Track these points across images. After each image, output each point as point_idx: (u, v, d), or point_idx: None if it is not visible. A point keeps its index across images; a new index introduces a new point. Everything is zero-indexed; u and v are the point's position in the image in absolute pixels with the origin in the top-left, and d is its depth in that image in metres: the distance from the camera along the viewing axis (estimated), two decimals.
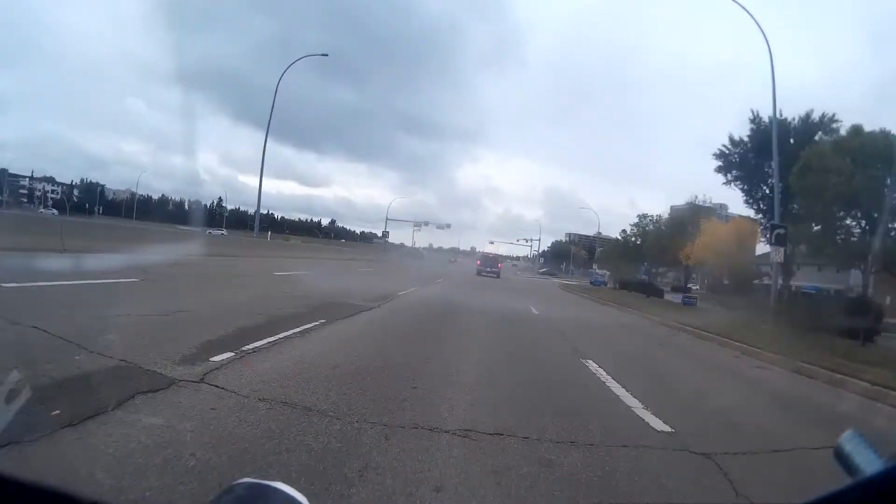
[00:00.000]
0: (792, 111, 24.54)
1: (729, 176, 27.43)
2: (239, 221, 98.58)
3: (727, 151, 27.14)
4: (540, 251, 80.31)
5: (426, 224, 55.73)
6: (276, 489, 0.54)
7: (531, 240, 68.87)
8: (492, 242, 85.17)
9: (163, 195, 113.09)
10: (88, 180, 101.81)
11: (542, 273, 66.67)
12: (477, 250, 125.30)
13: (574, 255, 75.45)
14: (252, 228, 46.29)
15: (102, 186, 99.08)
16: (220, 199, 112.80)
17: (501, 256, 49.20)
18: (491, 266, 37.08)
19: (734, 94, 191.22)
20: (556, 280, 50.97)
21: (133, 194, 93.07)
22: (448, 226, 58.11)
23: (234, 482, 0.54)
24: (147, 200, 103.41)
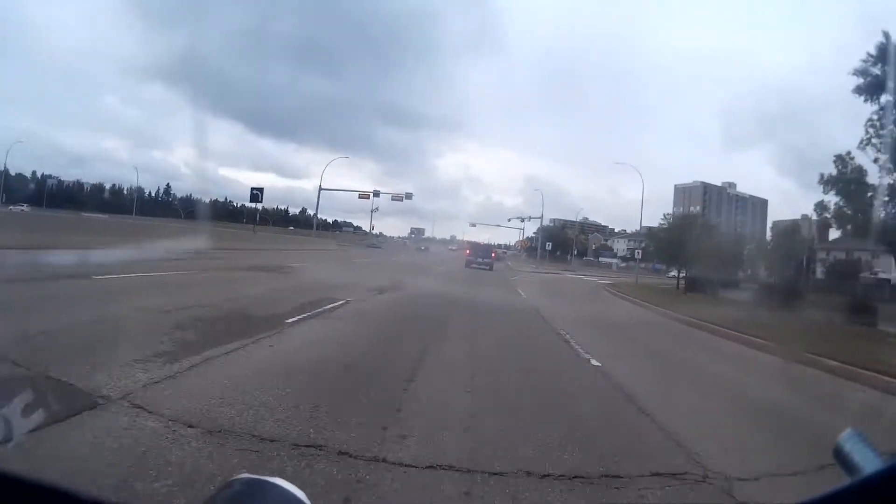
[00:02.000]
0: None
1: (880, 101, 16.41)
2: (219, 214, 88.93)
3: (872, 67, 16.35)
4: (534, 234, 69.38)
5: (376, 194, 43.91)
6: (274, 484, 0.54)
7: (529, 218, 54.80)
8: (473, 226, 74.39)
9: (112, 184, 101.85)
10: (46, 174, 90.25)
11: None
12: (456, 238, 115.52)
13: (574, 242, 64.79)
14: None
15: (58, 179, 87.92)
16: (169, 186, 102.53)
17: (493, 245, 38.67)
18: (483, 256, 31.44)
19: (719, 84, 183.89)
20: (572, 275, 38.70)
21: (81, 184, 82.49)
22: (408, 196, 44.94)
23: (233, 478, 0.55)
24: (118, 192, 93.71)
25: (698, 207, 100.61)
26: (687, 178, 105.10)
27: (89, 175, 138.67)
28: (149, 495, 2.05)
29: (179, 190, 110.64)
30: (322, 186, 43.04)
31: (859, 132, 16.45)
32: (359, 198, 43.91)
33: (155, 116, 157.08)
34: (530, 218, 52.62)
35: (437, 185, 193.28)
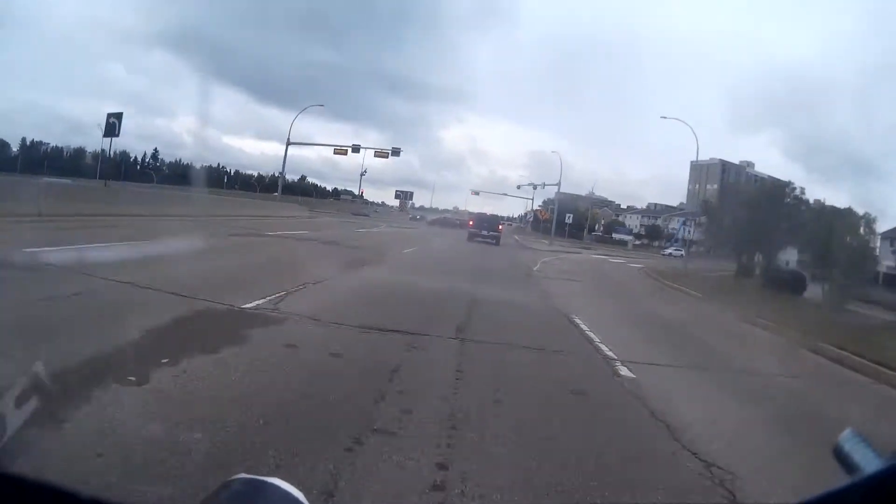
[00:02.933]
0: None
1: None
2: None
3: None
4: (540, 206, 63.01)
5: (356, 149, 36.75)
6: (272, 485, 0.54)
7: (543, 185, 45.70)
8: (476, 194, 65.99)
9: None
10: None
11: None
12: (460, 209, 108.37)
13: (589, 216, 58.29)
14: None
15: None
16: (156, 151, 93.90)
17: (499, 217, 32.47)
18: (488, 229, 27.51)
19: (724, 63, 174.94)
20: (595, 254, 32.36)
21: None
22: (395, 152, 36.77)
23: (230, 478, 0.54)
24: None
25: (715, 186, 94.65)
26: (689, 159, 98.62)
27: (93, 143, 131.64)
28: (150, 494, 2.05)
29: (169, 156, 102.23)
30: (290, 140, 36.43)
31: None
32: (334, 153, 37.47)
33: (157, 84, 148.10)
34: (544, 185, 45.78)
35: (441, 156, 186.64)
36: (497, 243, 26.90)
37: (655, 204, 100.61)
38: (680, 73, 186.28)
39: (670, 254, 48.49)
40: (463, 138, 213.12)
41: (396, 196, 71.78)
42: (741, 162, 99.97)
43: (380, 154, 36.34)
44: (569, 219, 41.19)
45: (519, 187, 52.88)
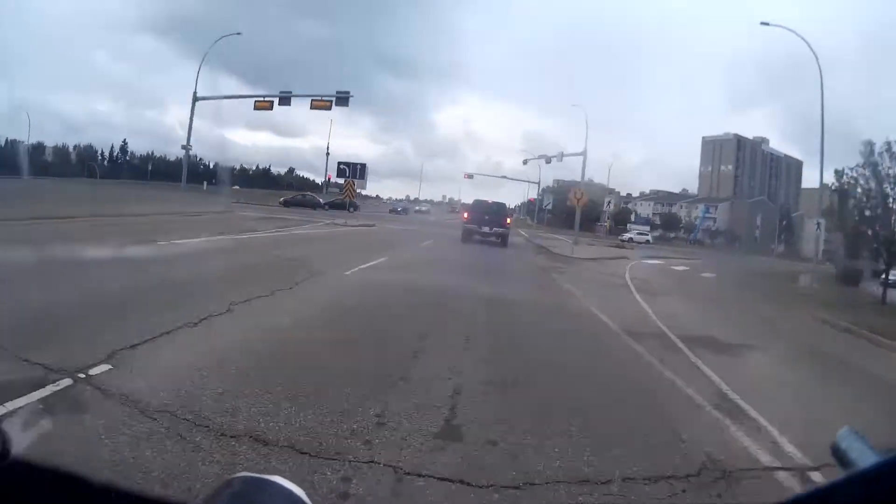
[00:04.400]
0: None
1: None
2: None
3: None
4: (539, 196, 53.02)
5: (285, 100, 26.13)
6: (273, 483, 0.53)
7: (562, 155, 31.80)
8: (470, 177, 51.50)
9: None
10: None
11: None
12: (453, 200, 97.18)
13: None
14: None
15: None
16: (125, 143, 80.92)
17: (505, 206, 22.11)
18: (490, 223, 18.73)
19: (722, 42, 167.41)
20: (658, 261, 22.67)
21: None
22: (342, 100, 25.75)
23: (232, 476, 0.53)
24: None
25: (730, 167, 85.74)
26: (693, 141, 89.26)
27: (92, 139, 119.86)
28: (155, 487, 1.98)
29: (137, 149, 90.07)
30: (198, 95, 25.83)
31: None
32: (255, 108, 27.15)
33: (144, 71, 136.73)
34: (562, 155, 33.87)
35: (434, 142, 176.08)
36: (504, 244, 18.86)
37: (657, 191, 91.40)
38: (677, 49, 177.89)
39: (630, 239, 42.26)
40: (457, 121, 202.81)
41: (340, 171, 41.91)
42: (755, 138, 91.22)
43: (318, 104, 25.34)
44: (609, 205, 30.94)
45: (525, 162, 40.52)
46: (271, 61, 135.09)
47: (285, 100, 26.44)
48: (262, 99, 27.07)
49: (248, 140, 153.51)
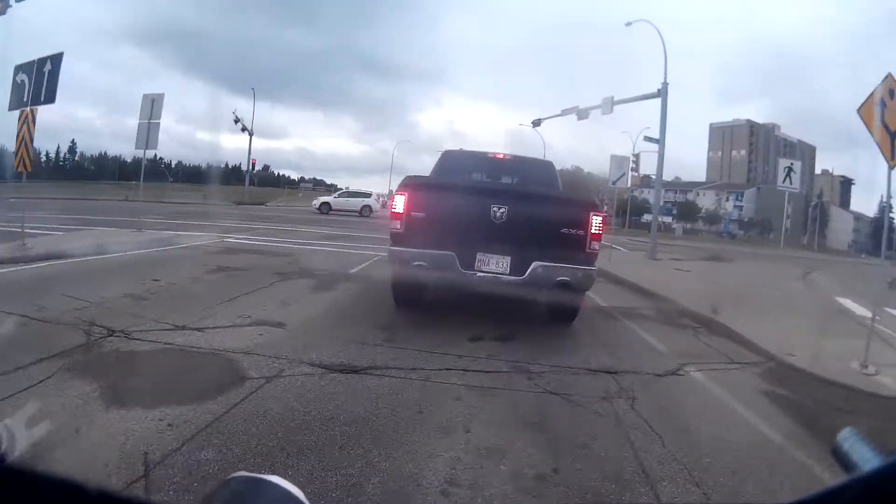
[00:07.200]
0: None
1: None
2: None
3: None
4: None
5: None
6: (271, 483, 0.52)
7: (587, 111, 21.47)
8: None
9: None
10: None
11: None
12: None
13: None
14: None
15: None
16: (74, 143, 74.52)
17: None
18: (530, 244, 4.56)
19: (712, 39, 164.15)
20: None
21: None
22: None
23: (230, 476, 0.52)
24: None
25: (743, 152, 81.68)
26: (689, 132, 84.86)
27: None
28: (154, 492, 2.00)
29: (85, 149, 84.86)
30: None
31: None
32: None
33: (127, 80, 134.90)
34: (589, 111, 19.22)
35: (419, 141, 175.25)
36: (569, 317, 5.32)
37: (647, 176, 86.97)
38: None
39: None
40: (441, 121, 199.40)
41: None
42: (767, 123, 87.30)
43: None
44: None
45: (539, 123, 20.97)
46: (256, 67, 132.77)
47: None
48: None
49: (232, 143, 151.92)
